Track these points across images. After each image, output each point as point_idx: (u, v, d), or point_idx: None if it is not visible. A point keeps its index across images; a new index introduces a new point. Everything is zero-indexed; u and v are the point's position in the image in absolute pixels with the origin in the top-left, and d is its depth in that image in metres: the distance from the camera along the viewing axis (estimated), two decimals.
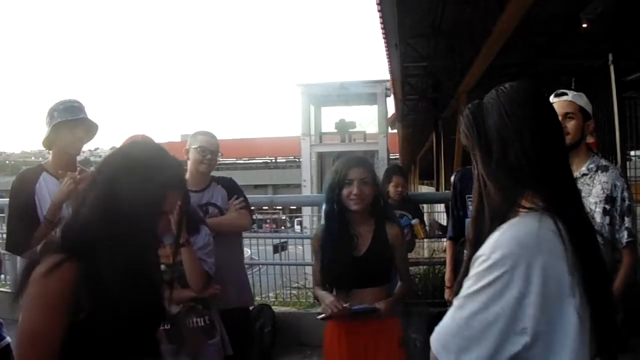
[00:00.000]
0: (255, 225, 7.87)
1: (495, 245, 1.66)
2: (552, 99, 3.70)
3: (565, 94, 3.67)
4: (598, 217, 3.57)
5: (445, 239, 5.58)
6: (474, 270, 1.68)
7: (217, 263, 3.90)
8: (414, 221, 6.19)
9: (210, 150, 4.34)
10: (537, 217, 1.68)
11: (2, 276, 8.35)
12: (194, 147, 4.34)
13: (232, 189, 4.50)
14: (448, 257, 5.00)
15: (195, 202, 4.19)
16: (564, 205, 1.73)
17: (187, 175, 4.30)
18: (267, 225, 12.28)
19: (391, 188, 6.23)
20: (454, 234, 4.83)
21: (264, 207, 6.87)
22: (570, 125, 3.61)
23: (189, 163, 4.36)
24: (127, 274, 2.09)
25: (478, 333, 1.63)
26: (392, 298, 3.64)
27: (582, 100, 3.68)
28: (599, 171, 3.63)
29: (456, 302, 1.71)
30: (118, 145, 4.41)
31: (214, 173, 4.56)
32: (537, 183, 1.73)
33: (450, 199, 5.09)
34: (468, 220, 4.61)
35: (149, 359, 2.38)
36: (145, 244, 2.25)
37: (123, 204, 2.12)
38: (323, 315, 3.64)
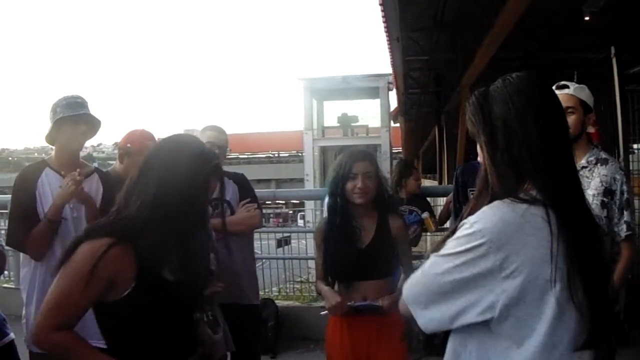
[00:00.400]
0: (271, 221, 7.88)
1: (481, 216, 1.71)
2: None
3: (567, 86, 3.66)
4: (596, 210, 3.56)
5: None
6: (456, 234, 1.75)
7: (231, 260, 3.94)
8: (424, 215, 6.22)
9: (219, 145, 4.33)
10: (528, 204, 1.70)
11: (6, 272, 8.35)
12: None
13: (243, 185, 4.49)
14: None
15: None
16: (562, 196, 1.73)
17: None
18: (275, 220, 12.32)
19: (412, 181, 6.26)
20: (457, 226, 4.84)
21: (266, 202, 6.86)
22: (571, 119, 3.60)
23: None
24: (178, 256, 2.39)
25: (447, 292, 1.72)
26: (395, 293, 3.64)
27: (583, 93, 3.66)
28: (599, 164, 3.63)
29: (432, 258, 1.79)
30: (119, 140, 4.43)
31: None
32: (537, 174, 1.74)
33: (453, 193, 5.10)
34: None
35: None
36: (195, 226, 2.54)
37: (174, 192, 2.37)
38: (326, 312, 3.67)
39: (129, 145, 4.26)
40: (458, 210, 4.88)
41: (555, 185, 1.74)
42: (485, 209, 1.72)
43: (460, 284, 1.69)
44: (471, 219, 1.72)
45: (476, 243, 1.66)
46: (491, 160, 1.81)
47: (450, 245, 1.73)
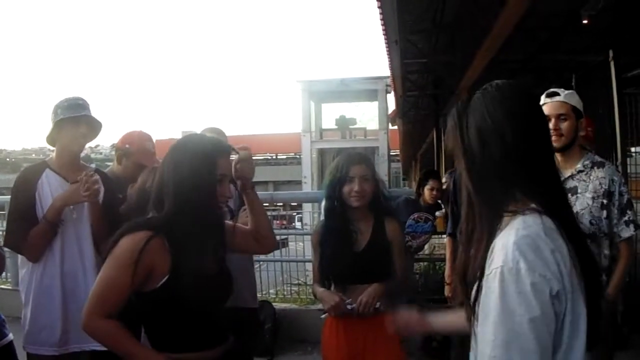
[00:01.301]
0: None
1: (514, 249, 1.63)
2: (543, 99, 3.70)
3: (557, 94, 3.66)
4: (596, 212, 3.59)
5: (444, 236, 5.60)
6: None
7: (234, 261, 3.95)
8: (438, 213, 6.25)
9: None
10: (538, 215, 1.68)
11: (3, 273, 8.33)
12: None
13: None
14: (448, 253, 5.01)
15: None
16: (554, 205, 1.73)
17: None
18: (278, 222, 12.35)
19: (426, 191, 6.29)
20: (454, 230, 4.84)
21: (264, 204, 6.87)
22: (564, 126, 3.61)
23: None
24: (199, 245, 2.59)
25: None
26: (369, 289, 3.60)
27: (573, 99, 3.67)
28: (595, 167, 3.65)
29: None
30: (117, 142, 4.42)
31: None
32: (524, 183, 1.74)
33: (450, 196, 5.09)
34: None
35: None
36: (208, 207, 2.66)
37: (186, 179, 2.59)
38: (326, 314, 3.67)
39: (127, 146, 4.27)
40: (455, 213, 4.88)
41: (543, 193, 1.73)
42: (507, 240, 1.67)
43: None
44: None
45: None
46: (469, 174, 1.80)
47: None
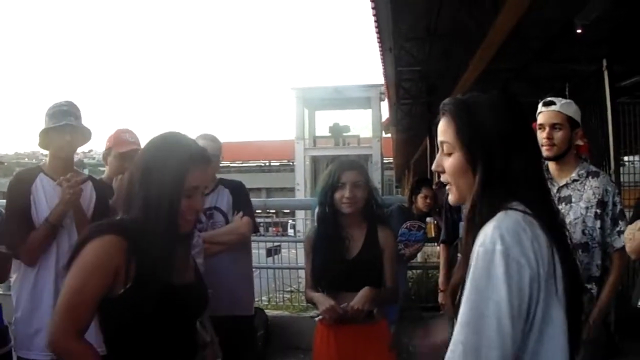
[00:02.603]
0: (262, 229, 7.86)
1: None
2: (540, 107, 3.70)
3: (553, 103, 3.66)
4: (589, 222, 3.59)
5: (437, 244, 5.61)
6: None
7: (228, 270, 3.95)
8: (429, 219, 6.24)
9: (211, 154, 4.31)
10: (519, 212, 1.71)
11: None
12: None
13: (237, 194, 4.43)
14: (442, 260, 5.01)
15: None
16: (540, 211, 1.74)
17: None
18: (275, 229, 12.39)
19: (419, 199, 6.28)
20: (447, 238, 4.85)
21: (257, 211, 6.87)
22: (558, 136, 3.61)
23: None
24: (162, 253, 2.38)
25: None
26: (360, 293, 3.60)
27: (570, 109, 3.66)
28: (590, 177, 3.66)
29: None
30: (105, 144, 4.44)
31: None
32: (511, 192, 1.75)
33: (444, 204, 5.10)
34: (462, 224, 4.63)
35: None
36: (172, 218, 2.44)
37: (153, 186, 2.41)
38: (320, 317, 3.66)
39: (108, 144, 4.32)
40: (449, 221, 4.89)
41: (531, 202, 1.74)
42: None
43: None
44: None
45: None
46: (481, 176, 1.79)
47: None
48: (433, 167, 1.94)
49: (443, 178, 1.92)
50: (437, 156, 1.93)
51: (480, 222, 1.72)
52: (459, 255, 4.73)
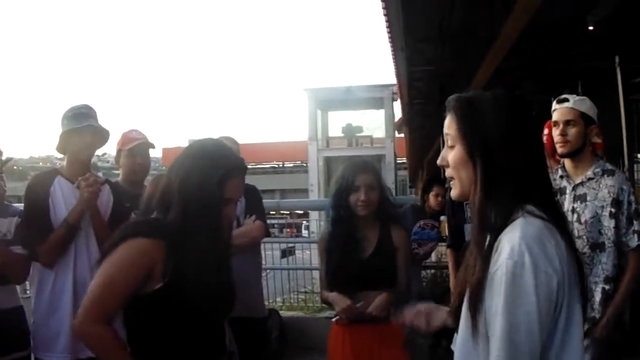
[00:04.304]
0: (276, 230, 7.88)
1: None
2: (554, 105, 3.71)
3: (567, 100, 3.67)
4: (605, 221, 3.58)
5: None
6: None
7: (239, 272, 3.97)
8: (443, 218, 6.24)
9: None
10: (536, 217, 1.72)
11: None
12: None
13: (250, 197, 4.45)
14: (450, 264, 5.02)
15: None
16: (552, 215, 1.77)
17: None
18: (289, 230, 12.40)
19: (431, 197, 6.26)
20: (453, 242, 4.86)
21: (270, 212, 6.90)
22: (572, 132, 3.62)
23: None
24: (201, 256, 2.44)
25: None
26: (381, 296, 3.61)
27: (584, 105, 3.66)
28: (605, 175, 3.64)
29: None
30: (115, 147, 4.48)
31: None
32: (518, 193, 1.76)
33: (447, 207, 5.11)
34: (467, 226, 4.63)
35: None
36: (213, 228, 2.52)
37: (193, 194, 2.47)
38: (337, 317, 3.68)
39: (117, 147, 4.36)
40: (453, 225, 4.90)
41: (536, 202, 1.76)
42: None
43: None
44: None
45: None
46: (487, 177, 1.80)
47: None
48: (438, 161, 1.96)
49: (447, 173, 1.94)
50: (443, 150, 1.95)
51: (497, 226, 1.73)
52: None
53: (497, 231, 1.73)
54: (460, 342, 1.82)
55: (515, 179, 1.76)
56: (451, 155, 1.88)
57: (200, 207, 2.47)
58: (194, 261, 2.43)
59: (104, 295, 2.43)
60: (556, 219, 1.76)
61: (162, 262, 2.41)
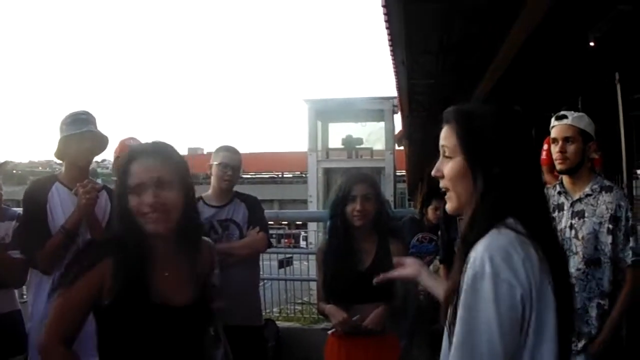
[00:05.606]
0: (274, 241, 7.89)
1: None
2: (553, 122, 3.72)
3: (565, 116, 3.68)
4: (602, 237, 3.59)
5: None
6: None
7: (238, 281, 3.97)
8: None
9: (232, 166, 4.39)
10: (512, 230, 1.72)
11: None
12: (215, 163, 4.41)
13: (253, 209, 4.51)
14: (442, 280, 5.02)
15: (216, 217, 4.26)
16: (535, 229, 1.76)
17: (210, 191, 4.41)
18: (287, 241, 12.40)
19: (430, 211, 6.26)
20: (445, 257, 4.87)
21: (269, 222, 6.90)
22: (570, 149, 3.63)
23: (212, 178, 4.42)
24: (137, 268, 2.40)
25: None
26: (377, 310, 3.62)
27: (582, 122, 3.67)
28: (603, 191, 3.65)
29: None
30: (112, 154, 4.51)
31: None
32: (507, 206, 1.76)
33: (440, 222, 5.12)
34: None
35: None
36: (129, 219, 2.44)
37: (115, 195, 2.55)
38: (334, 329, 3.68)
39: (115, 155, 4.39)
40: (446, 240, 4.91)
41: (528, 219, 1.76)
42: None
43: None
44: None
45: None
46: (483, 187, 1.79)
47: None
48: (433, 172, 1.95)
49: (442, 184, 1.93)
50: (438, 162, 1.94)
51: (475, 236, 1.74)
52: None
53: (472, 243, 1.73)
54: (442, 353, 1.83)
55: (510, 193, 1.76)
56: (448, 166, 1.87)
57: (118, 216, 2.50)
58: (131, 278, 2.38)
59: (60, 314, 2.44)
60: (540, 235, 1.75)
61: (110, 278, 2.37)
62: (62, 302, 2.44)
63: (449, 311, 1.75)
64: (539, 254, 1.69)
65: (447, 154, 1.89)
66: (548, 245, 1.75)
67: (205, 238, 2.90)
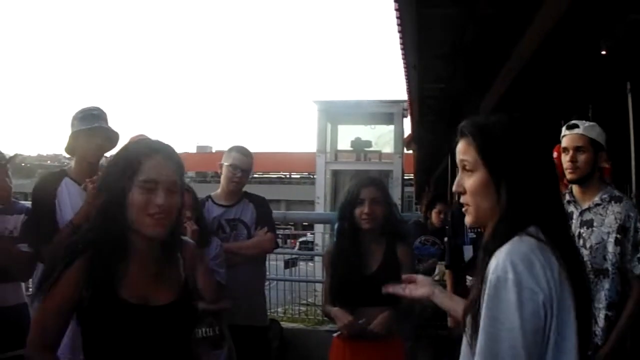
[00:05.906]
0: (280, 241, 7.91)
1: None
2: (563, 131, 3.72)
3: (577, 126, 3.67)
4: (610, 247, 3.58)
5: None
6: None
7: (244, 280, 3.98)
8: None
9: (242, 168, 4.40)
10: (532, 238, 1.73)
11: None
12: (226, 164, 4.42)
13: (261, 209, 4.52)
14: (448, 285, 5.01)
15: (224, 216, 4.27)
16: (555, 237, 1.76)
17: (219, 190, 4.42)
18: (292, 241, 12.42)
19: (434, 214, 6.29)
20: (452, 262, 4.86)
21: (276, 223, 6.92)
22: (581, 159, 3.63)
23: (222, 178, 4.43)
24: (111, 267, 2.36)
25: None
26: (384, 314, 3.63)
27: (593, 132, 3.66)
28: (613, 201, 3.64)
29: None
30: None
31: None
32: (529, 216, 1.77)
33: (448, 228, 5.12)
34: (466, 248, 4.64)
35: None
36: (118, 216, 2.39)
37: (104, 188, 2.50)
38: (339, 332, 3.68)
39: None
40: (452, 246, 4.90)
41: (547, 228, 1.77)
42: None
43: None
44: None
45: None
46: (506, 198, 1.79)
47: None
48: (454, 188, 1.94)
49: (463, 199, 1.92)
50: (458, 177, 1.93)
51: (496, 244, 1.73)
52: (467, 277, 4.73)
53: (493, 251, 1.73)
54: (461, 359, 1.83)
55: (532, 201, 1.77)
56: (471, 181, 1.87)
57: (107, 199, 2.45)
58: (104, 278, 2.35)
59: (42, 323, 2.44)
60: (560, 242, 1.76)
61: (84, 280, 2.35)
62: (42, 310, 2.46)
63: (469, 319, 1.76)
64: (559, 261, 1.70)
65: (467, 167, 1.88)
66: (567, 252, 1.76)
67: (186, 238, 2.86)
